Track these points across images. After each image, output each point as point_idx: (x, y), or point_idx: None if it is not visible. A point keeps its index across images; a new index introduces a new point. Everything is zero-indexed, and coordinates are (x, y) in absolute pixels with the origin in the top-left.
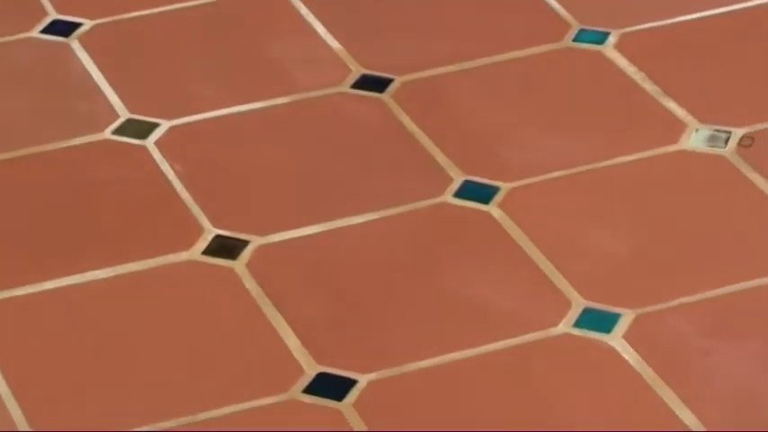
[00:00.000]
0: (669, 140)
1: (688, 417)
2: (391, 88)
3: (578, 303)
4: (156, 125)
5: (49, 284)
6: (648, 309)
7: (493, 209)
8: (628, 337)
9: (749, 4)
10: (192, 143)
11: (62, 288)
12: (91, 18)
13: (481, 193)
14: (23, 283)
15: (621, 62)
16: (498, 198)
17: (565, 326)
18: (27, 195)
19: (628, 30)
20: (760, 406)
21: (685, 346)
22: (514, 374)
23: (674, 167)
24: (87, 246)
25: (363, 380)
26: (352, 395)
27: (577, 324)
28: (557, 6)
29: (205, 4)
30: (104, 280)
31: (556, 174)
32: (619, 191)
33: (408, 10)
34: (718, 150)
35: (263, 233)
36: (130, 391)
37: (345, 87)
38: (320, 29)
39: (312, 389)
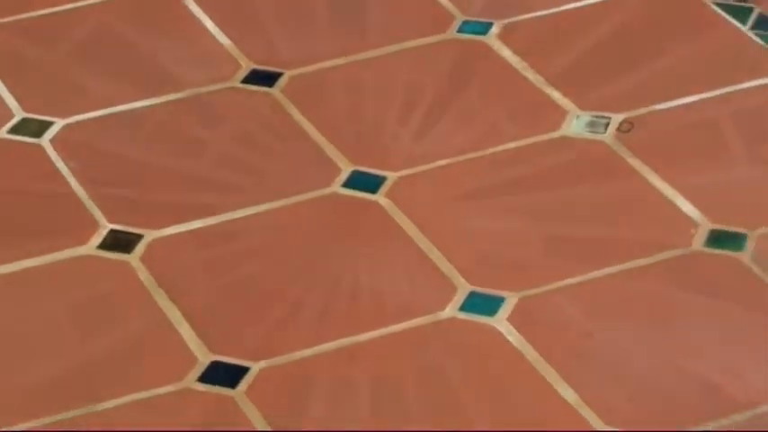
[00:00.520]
0: (551, 127)
1: (570, 394)
2: (280, 82)
3: (464, 288)
4: (50, 123)
5: None
6: (532, 291)
7: (381, 198)
8: (511, 319)
9: None
10: (86, 140)
11: None
12: None
13: (369, 183)
14: None
15: (505, 52)
16: (386, 187)
17: (451, 310)
18: None
19: (511, 20)
20: (638, 384)
21: (568, 327)
22: (404, 359)
23: (556, 153)
24: None
25: (255, 367)
26: (245, 382)
27: (463, 308)
28: None
29: (100, 3)
30: (1, 276)
31: (441, 162)
32: (503, 177)
33: (296, 5)
34: (598, 136)
35: (156, 227)
36: (28, 383)
37: (236, 82)
38: (210, 25)
39: (206, 377)
